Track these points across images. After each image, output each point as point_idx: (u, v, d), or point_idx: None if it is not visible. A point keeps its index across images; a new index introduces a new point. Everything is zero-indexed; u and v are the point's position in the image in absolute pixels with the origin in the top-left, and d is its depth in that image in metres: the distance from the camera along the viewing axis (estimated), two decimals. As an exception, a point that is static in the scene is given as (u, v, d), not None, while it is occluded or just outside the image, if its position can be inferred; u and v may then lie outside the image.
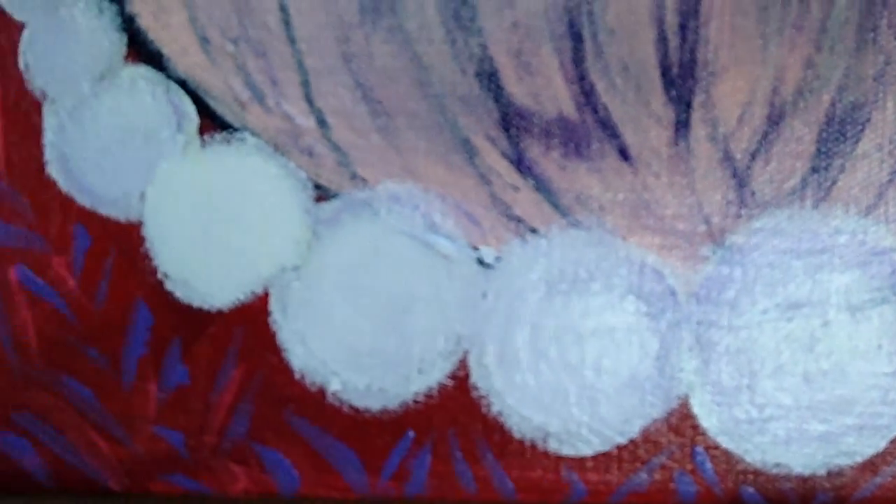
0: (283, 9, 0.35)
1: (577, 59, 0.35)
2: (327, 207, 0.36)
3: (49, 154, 0.36)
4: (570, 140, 0.35)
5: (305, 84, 0.35)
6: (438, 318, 0.36)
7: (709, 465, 0.35)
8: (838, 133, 0.34)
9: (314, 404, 0.36)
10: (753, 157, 0.34)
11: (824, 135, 0.34)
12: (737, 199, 0.35)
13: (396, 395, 0.36)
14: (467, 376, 0.36)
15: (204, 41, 0.35)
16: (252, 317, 0.36)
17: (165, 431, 0.36)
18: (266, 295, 0.36)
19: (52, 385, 0.36)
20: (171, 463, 0.36)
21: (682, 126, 0.35)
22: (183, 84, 0.36)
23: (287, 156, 0.35)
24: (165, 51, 0.35)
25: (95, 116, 0.36)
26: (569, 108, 0.34)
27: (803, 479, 0.35)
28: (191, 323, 0.36)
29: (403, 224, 0.35)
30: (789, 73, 0.34)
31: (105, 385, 0.36)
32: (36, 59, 0.35)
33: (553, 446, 0.36)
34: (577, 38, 0.35)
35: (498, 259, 0.35)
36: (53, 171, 0.36)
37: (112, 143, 0.36)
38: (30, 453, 0.37)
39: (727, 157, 0.35)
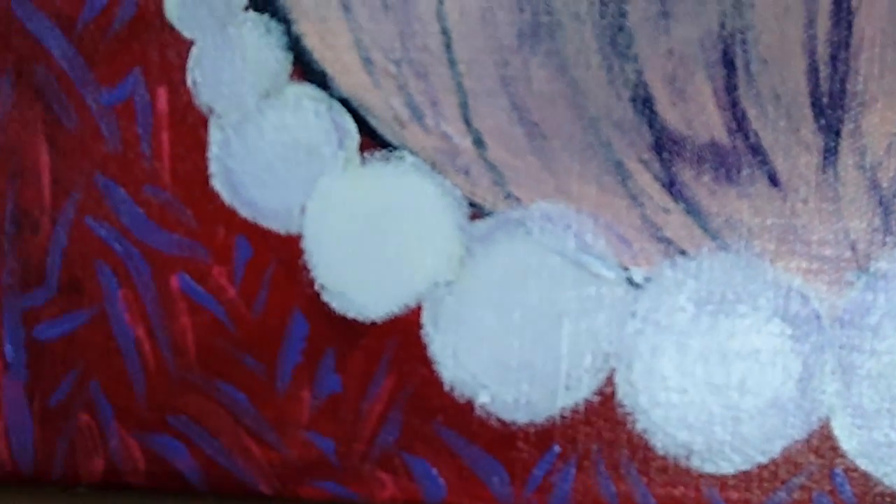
0: (445, 32, 0.38)
1: (730, 87, 0.37)
2: (481, 225, 0.38)
3: (213, 167, 0.39)
4: (721, 165, 0.37)
5: (464, 105, 0.38)
6: (587, 335, 0.38)
7: (847, 486, 0.37)
8: None
9: (462, 416, 0.39)
10: (906, 187, 0.37)
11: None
12: (882, 227, 0.37)
13: (543, 410, 0.39)
14: (613, 393, 0.38)
15: (367, 62, 0.38)
16: (404, 329, 0.39)
17: (317, 438, 0.39)
18: (419, 308, 0.39)
19: (209, 390, 0.39)
20: (321, 469, 0.39)
21: (830, 154, 0.37)
22: (345, 103, 0.39)
23: (444, 174, 0.38)
24: (329, 70, 0.38)
25: (259, 132, 0.39)
26: (720, 134, 0.37)
27: (946, 504, 0.37)
28: (345, 333, 0.39)
29: (555, 243, 0.38)
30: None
31: (260, 391, 0.39)
32: (203, 76, 0.39)
33: (695, 464, 0.38)
34: (730, 67, 0.37)
35: (647, 279, 0.38)
36: (217, 183, 0.39)
37: (275, 159, 0.39)
38: (184, 455, 0.40)
39: (874, 186, 0.38)
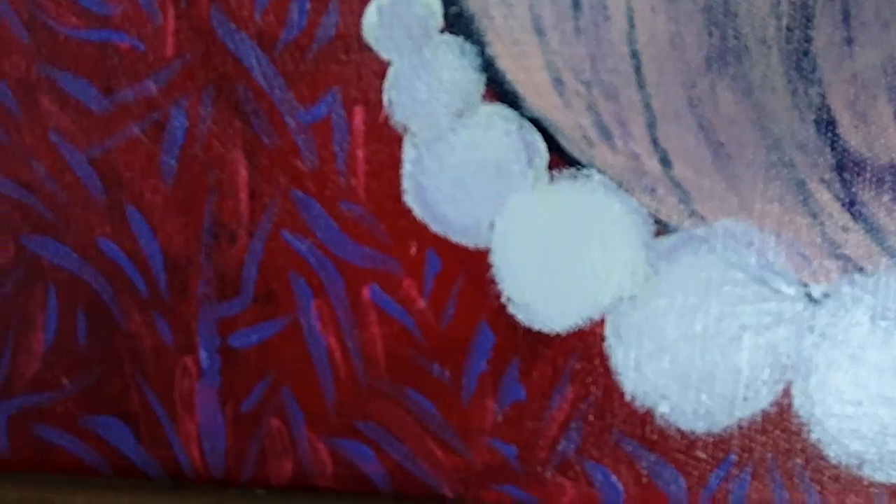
0: (635, 55, 0.43)
1: (910, 110, 0.42)
2: (666, 242, 0.44)
3: (406, 184, 0.44)
4: (900, 186, 0.42)
5: (652, 125, 0.43)
6: (766, 348, 0.43)
7: None
8: None
9: (642, 425, 0.44)
10: None
11: None
12: None
13: (721, 420, 0.44)
14: (790, 405, 0.43)
15: (558, 83, 0.43)
16: (588, 341, 0.44)
17: (500, 444, 0.45)
18: (602, 321, 0.44)
19: (397, 397, 0.45)
20: (503, 474, 0.45)
21: None
22: (535, 122, 0.44)
23: (630, 192, 0.43)
24: (521, 91, 0.44)
25: (452, 150, 0.44)
26: (900, 156, 0.42)
27: None
28: (530, 344, 0.44)
29: (738, 260, 0.43)
30: None
31: (446, 399, 0.45)
32: (399, 95, 0.44)
33: (867, 473, 0.44)
34: (910, 90, 0.42)
35: (826, 295, 0.43)
36: (410, 199, 0.44)
37: (466, 176, 0.44)
38: (371, 459, 0.45)
39: None
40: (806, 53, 0.45)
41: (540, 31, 0.46)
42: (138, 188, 0.49)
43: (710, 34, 0.46)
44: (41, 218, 0.49)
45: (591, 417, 0.48)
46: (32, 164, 0.49)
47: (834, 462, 0.47)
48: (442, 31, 0.47)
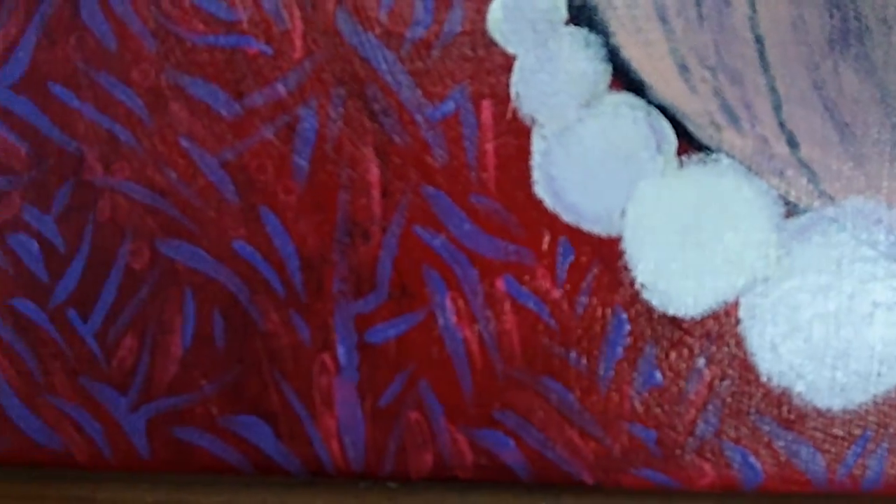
0: (759, 40, 0.47)
1: None
2: (796, 223, 0.48)
3: (536, 175, 0.49)
4: None
5: (777, 108, 0.48)
6: (899, 324, 0.48)
7: None
8: None
9: (779, 405, 0.49)
10: None
11: None
12: None
13: (857, 396, 0.48)
14: (924, 379, 0.48)
15: (683, 69, 0.48)
16: (723, 324, 0.48)
17: (638, 429, 0.49)
18: (736, 304, 0.48)
19: (534, 386, 0.50)
20: (642, 458, 0.49)
21: None
22: (662, 109, 0.48)
23: (760, 175, 0.48)
24: (647, 79, 0.48)
25: (580, 140, 0.49)
26: None
27: None
28: (665, 330, 0.49)
29: (868, 237, 0.48)
30: None
31: (583, 386, 0.49)
32: (526, 88, 0.49)
33: None
34: None
35: (958, 270, 0.48)
36: (540, 190, 0.49)
37: (595, 165, 0.49)
38: (511, 449, 0.50)
39: None
40: (929, 31, 0.50)
41: (663, 19, 0.51)
42: (271, 189, 0.54)
43: (832, 16, 0.50)
44: (175, 222, 0.54)
45: (728, 399, 0.52)
46: (165, 170, 0.54)
47: (971, 434, 0.51)
48: (566, 24, 0.52)
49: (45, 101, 0.56)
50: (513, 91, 0.54)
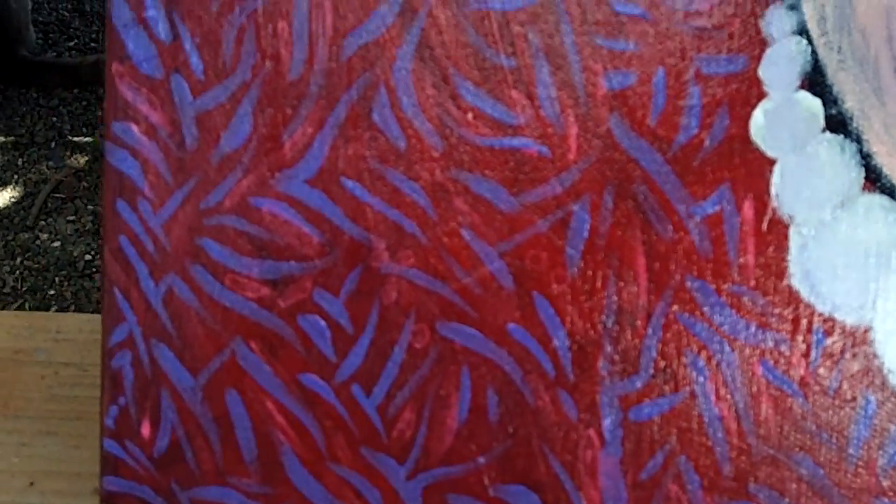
0: None
1: None
2: None
3: (793, 268, 0.54)
4: None
5: None
6: None
7: None
8: None
9: None
10: None
11: None
12: None
13: None
14: None
15: None
16: None
17: (886, 503, 0.54)
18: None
19: (787, 462, 0.54)
20: None
21: None
22: None
23: None
24: None
25: (834, 237, 0.54)
26: None
27: None
28: None
29: None
30: None
31: (833, 463, 0.55)
32: (784, 189, 0.54)
33: None
34: None
35: None
36: (796, 282, 0.54)
37: (848, 260, 0.54)
38: None
39: None
40: None
41: (915, 129, 0.56)
42: (545, 278, 0.59)
43: None
44: (455, 306, 0.60)
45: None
46: (446, 258, 0.60)
47: None
48: (823, 131, 0.57)
49: (338, 194, 0.62)
50: (773, 191, 0.60)
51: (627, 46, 0.60)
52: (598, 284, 0.61)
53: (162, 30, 0.62)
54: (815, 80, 0.59)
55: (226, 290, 0.63)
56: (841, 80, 0.59)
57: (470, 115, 0.61)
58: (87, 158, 2.62)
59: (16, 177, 2.57)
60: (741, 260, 0.60)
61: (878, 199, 0.60)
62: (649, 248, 0.61)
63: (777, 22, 0.59)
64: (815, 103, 0.59)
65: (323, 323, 0.63)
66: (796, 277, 0.60)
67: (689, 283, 0.61)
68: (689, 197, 0.60)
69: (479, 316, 0.62)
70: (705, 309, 0.60)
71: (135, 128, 0.63)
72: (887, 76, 0.59)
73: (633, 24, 0.59)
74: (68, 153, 2.63)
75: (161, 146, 0.63)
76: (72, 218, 2.47)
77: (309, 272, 0.63)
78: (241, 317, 0.63)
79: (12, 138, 2.65)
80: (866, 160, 0.60)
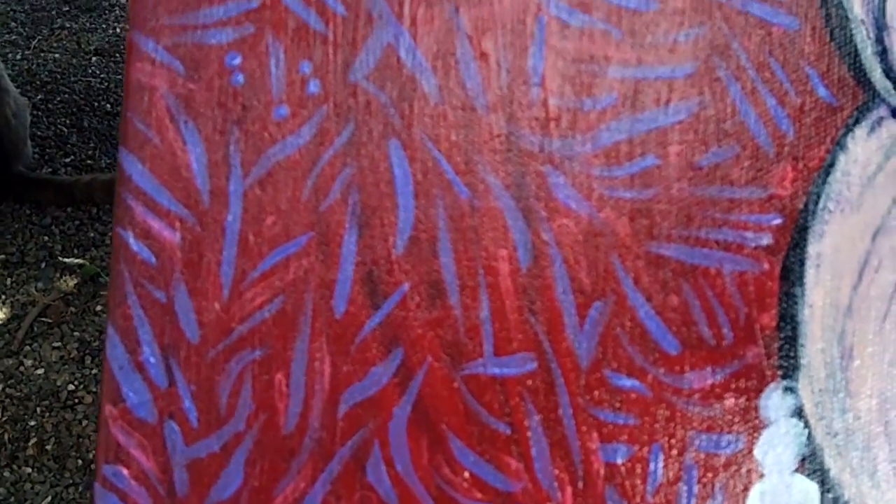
0: None
1: None
2: None
3: None
4: None
5: None
6: None
7: None
8: None
9: None
10: None
11: None
12: None
13: None
14: None
15: None
16: None
17: None
18: None
19: None
20: None
21: None
22: None
23: None
24: None
25: None
26: None
27: None
28: None
29: None
30: None
31: None
32: None
33: None
34: None
35: None
36: None
37: None
38: None
39: None
40: None
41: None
42: None
43: None
44: None
45: None
46: None
47: None
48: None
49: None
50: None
51: (627, 420, 0.60)
52: None
53: (157, 375, 0.62)
54: (811, 463, 0.59)
55: None
56: (839, 465, 0.59)
57: (464, 480, 0.61)
58: (76, 281, 2.61)
59: (3, 297, 2.55)
60: None
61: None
62: None
63: (774, 403, 0.60)
64: (812, 487, 0.59)
65: None
66: None
67: None
68: None
69: None
70: None
71: (125, 472, 0.62)
72: (883, 468, 0.59)
73: (631, 398, 0.60)
74: (58, 275, 2.62)
75: (151, 493, 0.62)
76: (57, 344, 2.45)
77: None
78: None
79: (3, 256, 2.64)
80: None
